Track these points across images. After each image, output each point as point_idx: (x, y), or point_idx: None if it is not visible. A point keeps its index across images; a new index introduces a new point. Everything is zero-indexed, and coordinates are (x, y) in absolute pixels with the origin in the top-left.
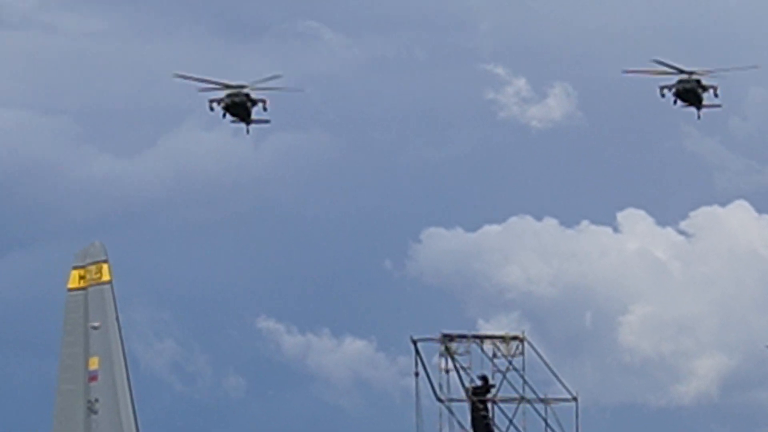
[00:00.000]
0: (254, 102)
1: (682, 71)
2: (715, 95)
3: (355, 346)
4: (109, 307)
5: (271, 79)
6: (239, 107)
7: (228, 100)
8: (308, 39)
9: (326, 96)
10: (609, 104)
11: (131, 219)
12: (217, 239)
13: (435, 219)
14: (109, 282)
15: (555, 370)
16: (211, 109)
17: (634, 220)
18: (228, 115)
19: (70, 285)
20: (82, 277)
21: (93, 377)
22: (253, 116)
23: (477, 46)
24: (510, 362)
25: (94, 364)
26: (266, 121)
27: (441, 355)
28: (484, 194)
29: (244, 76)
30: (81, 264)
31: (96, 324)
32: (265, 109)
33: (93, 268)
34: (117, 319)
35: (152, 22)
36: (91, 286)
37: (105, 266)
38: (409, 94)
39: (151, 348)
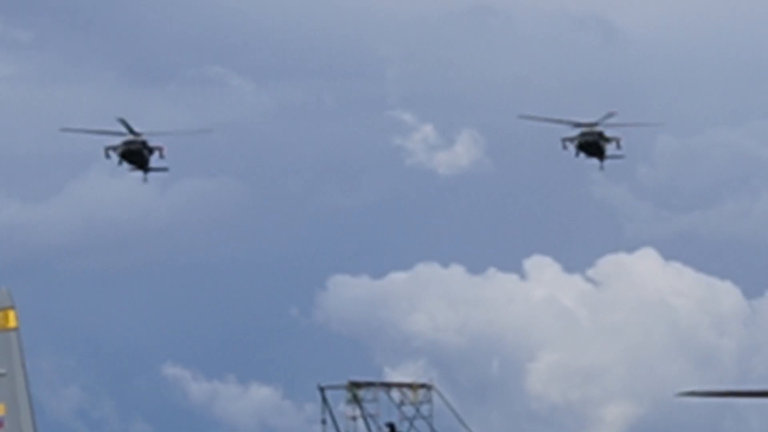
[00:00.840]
0: (151, 150)
1: (580, 125)
2: (618, 147)
3: (261, 393)
4: (15, 353)
5: (199, 132)
6: (135, 155)
7: (124, 148)
8: (216, 85)
9: (234, 142)
10: (516, 151)
11: (37, 265)
12: (124, 286)
13: (341, 266)
14: (16, 328)
15: (462, 417)
16: (107, 156)
17: (541, 267)
18: (125, 163)
19: None
20: None
21: None
22: (151, 164)
23: (385, 93)
24: (417, 410)
25: (0, 410)
26: (164, 169)
27: (348, 402)
28: (390, 241)
29: (153, 121)
30: None
31: (2, 371)
32: (162, 156)
33: None
34: (23, 365)
35: (61, 69)
36: None
37: (11, 312)
38: (317, 140)
39: (57, 394)
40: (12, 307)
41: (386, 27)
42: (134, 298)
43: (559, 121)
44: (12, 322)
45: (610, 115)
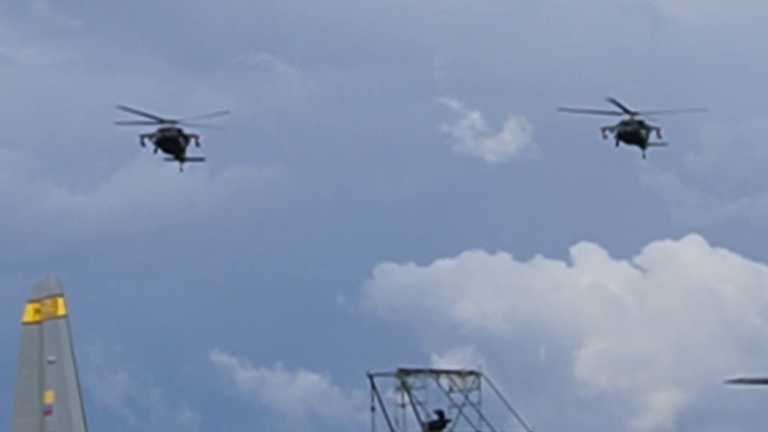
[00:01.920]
0: (187, 138)
1: (628, 112)
2: (658, 136)
3: (308, 381)
4: (64, 341)
5: (219, 114)
6: (170, 142)
7: (159, 135)
8: (262, 72)
9: (281, 129)
10: (564, 138)
11: (86, 253)
12: (171, 274)
13: (388, 254)
14: (65, 316)
15: (511, 404)
16: (143, 144)
17: (588, 254)
18: (160, 151)
19: (26, 319)
20: (37, 311)
21: (48, 411)
22: (188, 153)
23: (432, 80)
24: (466, 397)
25: (49, 398)
26: (200, 159)
27: (397, 389)
28: (437, 229)
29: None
30: (36, 298)
31: (51, 358)
32: (197, 144)
33: (48, 301)
34: (72, 353)
35: (110, 56)
36: (46, 320)
37: (60, 300)
38: (364, 127)
39: (105, 381)
40: (61, 295)
41: (433, 14)
42: (181, 286)
43: (599, 112)
44: (61, 310)
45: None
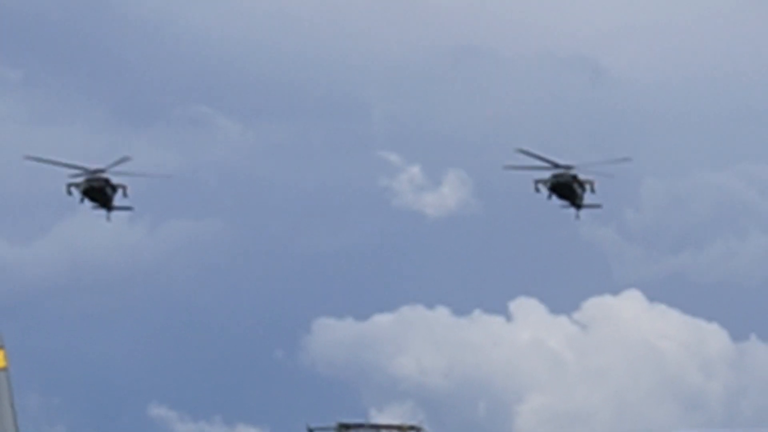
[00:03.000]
0: (114, 187)
1: (551, 163)
2: (592, 190)
3: None
4: (3, 393)
5: (121, 162)
6: (97, 192)
7: (86, 185)
8: (201, 125)
9: (220, 182)
10: (504, 192)
11: (25, 305)
12: (111, 326)
13: (326, 308)
14: (5, 369)
15: None
16: (69, 193)
17: (527, 309)
18: (87, 200)
19: None
20: None
21: None
22: (115, 202)
23: (371, 134)
24: None
25: None
26: (128, 208)
27: None
28: (376, 283)
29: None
30: None
31: None
32: (125, 195)
33: None
34: (12, 405)
35: (51, 108)
36: None
37: (1, 353)
38: (303, 180)
39: None
40: (2, 347)
41: (373, 68)
42: (121, 339)
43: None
44: (1, 362)
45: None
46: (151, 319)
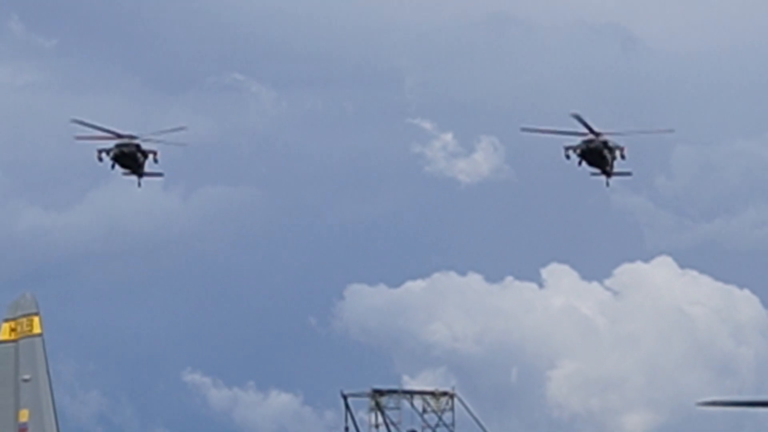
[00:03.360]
0: (145, 153)
1: (592, 131)
2: (622, 157)
3: (281, 400)
4: (39, 359)
5: (174, 131)
6: (128, 158)
7: (117, 150)
8: (235, 93)
9: (255, 149)
10: (536, 159)
11: (60, 273)
12: (145, 293)
13: (359, 275)
14: (40, 335)
15: (484, 425)
16: (100, 159)
17: (559, 276)
18: (117, 166)
19: (1, 337)
20: (13, 330)
21: (23, 429)
22: (146, 168)
23: (404, 102)
24: (440, 417)
25: (24, 416)
26: (159, 174)
27: (371, 409)
28: (408, 250)
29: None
30: (12, 316)
31: (27, 377)
32: (155, 161)
33: (24, 320)
34: (47, 372)
35: (85, 76)
36: (22, 338)
37: (36, 319)
38: (337, 148)
39: (78, 399)
40: (37, 313)
41: (405, 36)
42: (155, 305)
43: (563, 132)
44: (37, 328)
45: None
46: (185, 286)
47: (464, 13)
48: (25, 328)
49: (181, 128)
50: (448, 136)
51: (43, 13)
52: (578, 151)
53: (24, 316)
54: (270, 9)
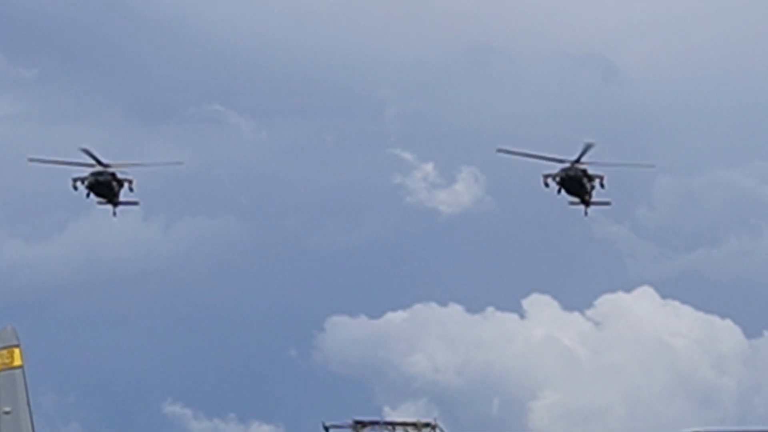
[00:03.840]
0: (120, 182)
1: (561, 161)
2: (602, 185)
3: (261, 431)
4: (20, 392)
5: (173, 164)
6: (103, 186)
7: (92, 179)
8: (215, 123)
9: (234, 180)
10: (517, 190)
11: (40, 304)
12: (125, 324)
13: (339, 306)
14: (21, 367)
15: None
16: (75, 188)
17: (540, 306)
18: (92, 195)
19: None
20: None
21: None
22: (122, 198)
23: (384, 132)
24: None
25: None
26: (135, 203)
27: None
28: (388, 280)
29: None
30: None
31: (7, 409)
32: (131, 189)
33: (4, 352)
34: (28, 403)
35: (66, 107)
36: (2, 370)
37: (17, 351)
38: (316, 179)
39: None
40: (17, 345)
41: (385, 68)
42: (135, 336)
43: (540, 158)
44: (17, 361)
45: (588, 146)
46: (166, 317)
47: (445, 43)
48: (6, 360)
49: (179, 163)
50: (429, 167)
51: (23, 43)
52: (557, 179)
53: (4, 348)
54: (250, 39)
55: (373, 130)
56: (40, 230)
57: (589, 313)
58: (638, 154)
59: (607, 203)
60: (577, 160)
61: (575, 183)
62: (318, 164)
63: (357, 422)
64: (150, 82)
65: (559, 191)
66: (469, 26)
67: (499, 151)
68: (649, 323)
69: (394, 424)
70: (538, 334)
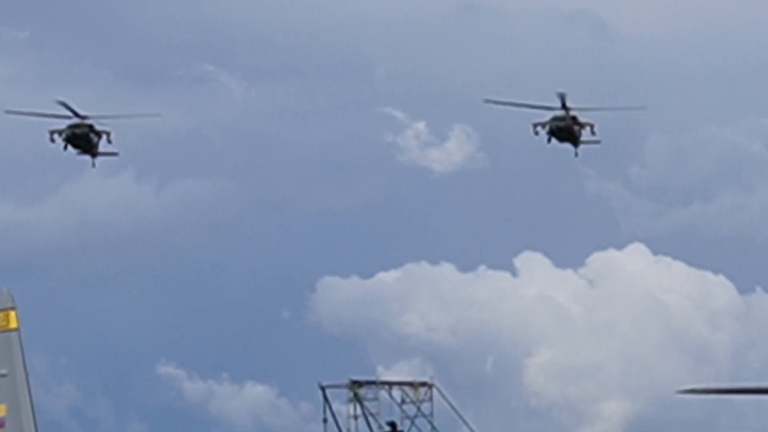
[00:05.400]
0: (98, 134)
1: (551, 108)
2: (592, 133)
3: (256, 392)
4: (16, 354)
5: (151, 116)
6: (80, 139)
7: (68, 132)
8: (206, 84)
9: (225, 141)
10: (510, 147)
11: (32, 266)
12: (118, 286)
13: (331, 267)
14: (17, 329)
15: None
16: (52, 140)
17: (532, 264)
18: (70, 147)
19: None
20: None
21: (0, 424)
22: (101, 149)
23: (375, 91)
24: (419, 408)
25: (1, 411)
26: (114, 154)
27: (349, 401)
28: (379, 240)
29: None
30: None
31: (3, 371)
32: (109, 141)
33: (0, 315)
34: (24, 366)
35: (56, 70)
36: None
37: (12, 313)
38: (308, 139)
39: (52, 393)
40: (13, 308)
41: (375, 27)
42: (128, 299)
43: (528, 106)
44: (13, 323)
45: (562, 96)
46: (158, 279)
47: (435, 1)
48: (2, 323)
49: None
50: (421, 125)
51: (14, 5)
52: (547, 127)
53: (0, 310)
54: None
55: (363, 89)
56: (32, 193)
57: (581, 270)
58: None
59: (597, 142)
60: (565, 107)
61: (565, 131)
62: (309, 124)
63: (354, 382)
64: (140, 43)
65: (549, 140)
66: None
67: (487, 101)
68: (642, 280)
69: (390, 384)
70: (531, 292)
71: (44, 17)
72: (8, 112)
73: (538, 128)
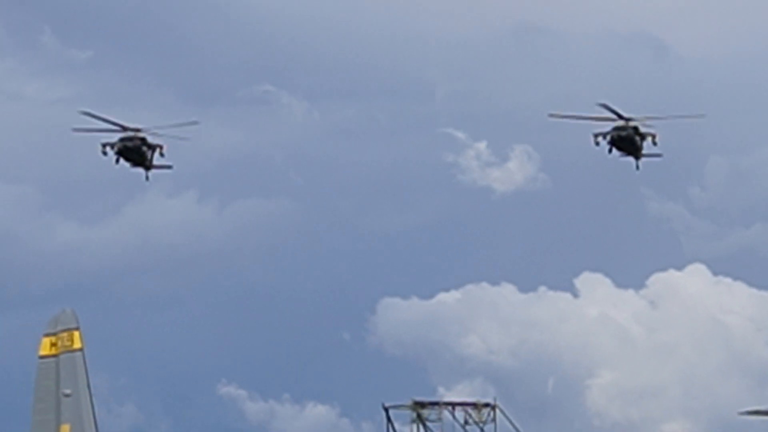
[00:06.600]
0: (151, 147)
1: (622, 117)
2: (654, 143)
3: (317, 412)
4: (80, 374)
5: (189, 124)
6: (133, 152)
7: (120, 145)
8: (267, 104)
9: (287, 162)
10: (571, 167)
11: (94, 287)
12: (180, 306)
13: (391, 288)
14: (81, 349)
15: None
16: (104, 153)
17: (592, 285)
18: (122, 160)
19: (42, 352)
20: (53, 344)
21: None
22: (154, 162)
23: (435, 112)
24: (482, 429)
25: (65, 431)
26: (168, 167)
27: (412, 421)
28: (440, 260)
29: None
30: (52, 331)
31: (68, 391)
32: (162, 155)
33: (65, 335)
34: (88, 386)
35: (117, 90)
36: (62, 353)
37: (76, 333)
38: (369, 159)
39: (114, 413)
40: (77, 328)
41: (434, 48)
42: (190, 319)
43: (592, 119)
44: (77, 343)
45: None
46: (220, 299)
47: (492, 23)
48: (66, 343)
49: (194, 122)
50: (482, 145)
51: (75, 26)
52: (608, 138)
53: (64, 330)
54: (300, 20)
55: (424, 110)
56: (94, 213)
57: (642, 291)
58: (689, 132)
59: (658, 155)
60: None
61: (627, 141)
62: (370, 145)
63: (416, 403)
64: (201, 64)
65: (610, 150)
66: (515, 6)
67: (551, 116)
68: (703, 301)
69: (453, 404)
70: (592, 312)
71: (106, 38)
72: (76, 130)
73: (599, 138)
